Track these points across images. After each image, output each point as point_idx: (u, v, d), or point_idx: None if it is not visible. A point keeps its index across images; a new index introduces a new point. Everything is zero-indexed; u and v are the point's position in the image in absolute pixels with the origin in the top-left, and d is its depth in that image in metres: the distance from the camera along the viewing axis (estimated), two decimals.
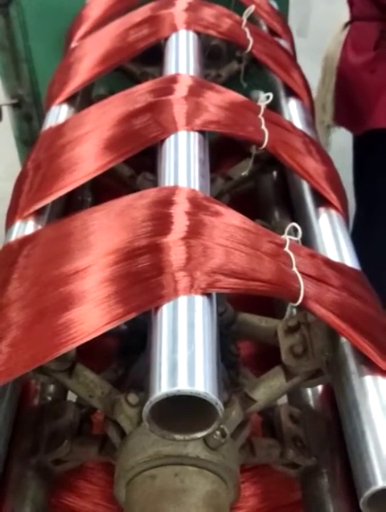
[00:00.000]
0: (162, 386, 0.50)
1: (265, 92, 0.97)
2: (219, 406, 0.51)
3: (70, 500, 0.77)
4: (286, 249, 0.67)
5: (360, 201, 1.68)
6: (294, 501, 0.75)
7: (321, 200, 0.86)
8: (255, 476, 0.78)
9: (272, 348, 0.73)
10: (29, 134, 1.63)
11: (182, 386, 0.50)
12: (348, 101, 1.52)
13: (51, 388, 0.78)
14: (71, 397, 0.75)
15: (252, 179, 1.08)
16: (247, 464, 0.72)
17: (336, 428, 0.70)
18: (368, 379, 0.61)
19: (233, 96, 0.94)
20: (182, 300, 0.57)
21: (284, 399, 0.76)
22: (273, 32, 1.28)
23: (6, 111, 1.62)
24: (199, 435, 0.54)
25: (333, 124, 1.60)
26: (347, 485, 0.65)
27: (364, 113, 1.47)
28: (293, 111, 1.07)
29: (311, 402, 0.77)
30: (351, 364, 0.62)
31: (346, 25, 1.50)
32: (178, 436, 0.55)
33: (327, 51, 1.56)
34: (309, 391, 0.78)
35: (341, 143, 1.66)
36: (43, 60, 1.51)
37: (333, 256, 0.76)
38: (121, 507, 0.64)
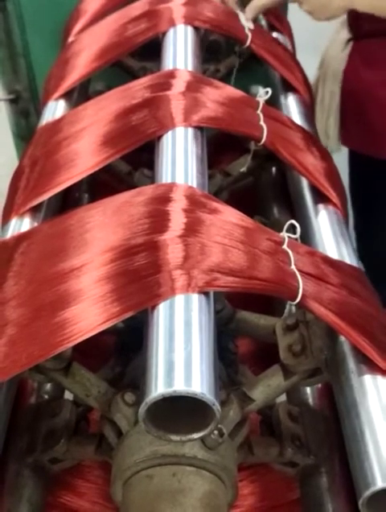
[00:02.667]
0: (158, 387, 0.50)
1: (265, 87, 0.96)
2: (216, 406, 0.50)
3: (67, 498, 0.77)
4: (285, 246, 0.66)
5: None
6: (293, 499, 0.75)
7: (320, 197, 0.85)
8: (253, 474, 0.78)
9: (271, 345, 0.72)
10: (27, 130, 1.62)
11: (179, 386, 0.49)
12: (362, 122, 1.36)
13: (48, 386, 0.77)
14: (69, 395, 0.74)
15: (251, 175, 1.07)
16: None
17: (335, 426, 0.69)
18: (367, 378, 0.60)
19: (231, 91, 0.93)
20: (179, 299, 0.56)
21: (283, 397, 0.75)
22: (272, 27, 1.27)
23: (3, 106, 1.61)
24: (196, 436, 0.54)
25: (338, 148, 1.45)
26: (346, 483, 0.65)
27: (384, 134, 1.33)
28: (292, 106, 1.06)
29: (310, 400, 0.77)
30: (351, 363, 0.62)
31: (348, 41, 1.36)
32: (174, 437, 0.54)
33: (325, 70, 1.41)
34: (308, 389, 0.78)
35: None
36: (40, 55, 1.50)
37: (332, 253, 0.75)
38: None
